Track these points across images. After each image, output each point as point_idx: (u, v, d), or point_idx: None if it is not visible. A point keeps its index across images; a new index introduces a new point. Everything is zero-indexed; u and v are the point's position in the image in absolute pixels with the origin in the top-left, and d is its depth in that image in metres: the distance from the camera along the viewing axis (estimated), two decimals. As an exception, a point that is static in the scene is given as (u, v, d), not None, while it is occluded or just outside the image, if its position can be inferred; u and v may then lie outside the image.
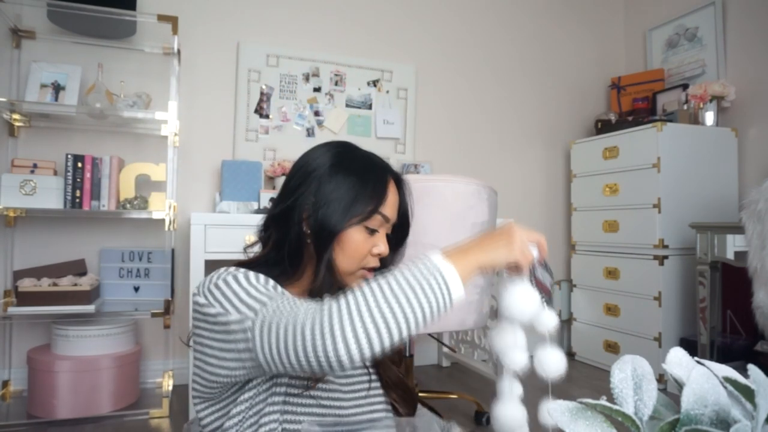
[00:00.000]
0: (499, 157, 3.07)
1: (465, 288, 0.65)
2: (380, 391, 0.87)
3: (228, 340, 0.70)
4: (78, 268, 2.21)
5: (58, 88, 2.15)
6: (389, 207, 0.84)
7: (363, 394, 0.83)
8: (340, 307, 0.61)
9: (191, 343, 0.79)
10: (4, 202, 1.99)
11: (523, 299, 0.70)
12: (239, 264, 0.83)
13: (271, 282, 0.75)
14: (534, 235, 0.73)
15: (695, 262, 2.27)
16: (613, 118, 2.93)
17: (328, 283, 0.79)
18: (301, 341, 0.60)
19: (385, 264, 0.88)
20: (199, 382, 0.77)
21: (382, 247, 0.84)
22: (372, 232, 0.83)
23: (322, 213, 0.79)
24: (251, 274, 0.74)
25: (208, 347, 0.74)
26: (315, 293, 0.78)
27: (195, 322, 0.77)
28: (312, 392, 0.77)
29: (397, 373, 0.88)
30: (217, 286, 0.73)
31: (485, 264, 0.68)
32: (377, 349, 0.60)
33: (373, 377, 0.86)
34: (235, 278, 0.73)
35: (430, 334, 2.47)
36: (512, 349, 0.72)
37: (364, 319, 0.59)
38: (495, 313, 2.27)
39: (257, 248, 0.89)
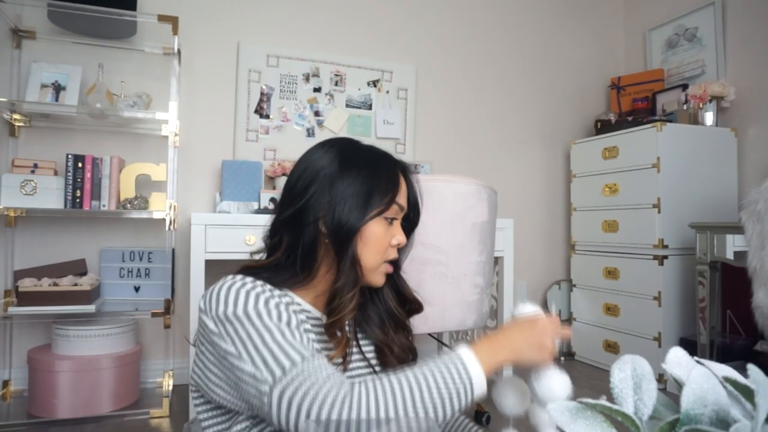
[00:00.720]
0: (499, 157, 3.07)
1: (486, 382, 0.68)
2: None
3: (235, 380, 0.68)
4: (78, 268, 2.21)
5: (58, 88, 2.15)
6: (402, 195, 0.85)
7: None
8: (369, 398, 0.62)
9: (194, 343, 0.79)
10: (5, 202, 1.99)
11: (559, 386, 0.74)
12: (246, 268, 0.80)
13: (282, 306, 0.72)
14: (563, 330, 0.77)
15: (695, 262, 2.27)
16: (612, 118, 2.93)
17: (352, 281, 0.79)
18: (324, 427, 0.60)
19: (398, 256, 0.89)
20: (199, 385, 0.76)
21: (400, 236, 0.85)
22: (391, 221, 0.83)
23: (339, 210, 0.78)
24: (261, 301, 0.70)
25: (210, 371, 0.73)
26: (338, 292, 0.78)
27: (201, 338, 0.75)
28: None
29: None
30: (227, 319, 0.69)
31: (514, 362, 0.71)
32: None
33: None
34: (249, 312, 0.69)
35: (430, 334, 2.47)
36: (548, 427, 0.75)
37: (389, 414, 0.60)
38: (495, 313, 2.27)
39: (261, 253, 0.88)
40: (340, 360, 0.79)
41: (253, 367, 0.65)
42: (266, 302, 0.71)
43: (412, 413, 0.62)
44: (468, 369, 0.66)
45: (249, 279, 0.74)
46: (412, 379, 0.64)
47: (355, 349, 0.85)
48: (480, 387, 0.67)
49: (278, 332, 0.68)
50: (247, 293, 0.71)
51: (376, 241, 0.81)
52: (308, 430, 0.60)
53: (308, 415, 0.60)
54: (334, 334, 0.78)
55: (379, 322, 0.89)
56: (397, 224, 0.85)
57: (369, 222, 0.80)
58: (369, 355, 0.87)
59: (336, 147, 0.84)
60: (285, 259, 0.80)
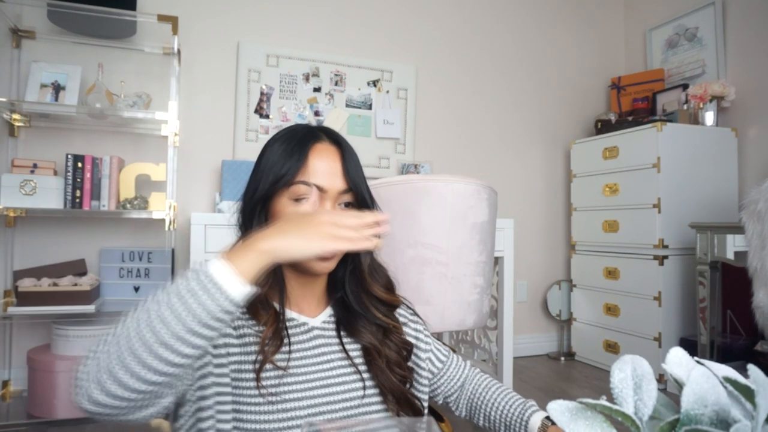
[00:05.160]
0: (499, 157, 3.07)
1: (253, 282, 0.60)
2: (378, 398, 0.80)
3: None
4: (78, 268, 2.21)
5: (58, 88, 2.15)
6: (319, 174, 0.75)
7: (356, 402, 0.78)
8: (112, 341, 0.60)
9: None
10: (4, 202, 1.99)
11: None
12: None
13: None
14: (349, 219, 0.64)
15: (695, 262, 2.27)
16: (613, 118, 2.93)
17: (279, 271, 0.77)
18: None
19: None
20: None
21: None
22: (301, 201, 0.75)
23: (250, 187, 0.79)
24: None
25: None
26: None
27: None
28: (276, 397, 0.71)
29: (391, 378, 0.81)
30: None
31: (279, 253, 0.61)
32: (135, 382, 0.56)
33: (368, 384, 0.80)
34: None
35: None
36: None
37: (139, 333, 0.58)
38: (495, 313, 2.27)
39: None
40: (274, 346, 0.73)
41: None
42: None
43: (155, 323, 0.57)
44: (207, 266, 0.58)
45: None
46: (151, 303, 0.60)
47: (341, 354, 0.80)
48: (229, 282, 0.57)
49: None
50: None
51: (278, 220, 0.75)
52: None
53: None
54: (257, 311, 0.75)
55: (363, 324, 0.82)
56: (322, 203, 0.76)
57: (274, 200, 0.76)
58: (355, 357, 0.81)
59: (278, 132, 0.83)
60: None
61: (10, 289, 2.15)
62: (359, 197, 0.80)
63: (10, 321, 2.18)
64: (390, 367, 0.81)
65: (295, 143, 0.77)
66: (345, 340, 0.82)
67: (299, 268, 0.78)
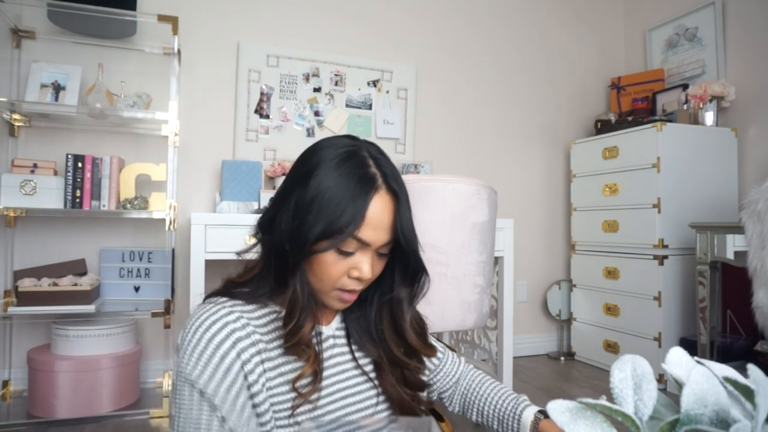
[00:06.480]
0: (499, 157, 3.07)
1: None
2: (389, 409, 0.81)
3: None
4: (78, 268, 2.21)
5: (58, 88, 2.15)
6: (370, 229, 0.70)
7: (371, 412, 0.79)
8: None
9: None
10: (4, 202, 1.99)
11: None
12: (229, 283, 0.77)
13: (235, 366, 0.68)
14: None
15: (695, 262, 2.27)
16: (612, 118, 2.93)
17: (306, 297, 0.73)
18: None
19: (390, 285, 0.80)
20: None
21: (365, 269, 0.72)
22: (348, 254, 0.72)
23: (293, 225, 0.71)
24: (211, 365, 0.67)
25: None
26: (292, 310, 0.72)
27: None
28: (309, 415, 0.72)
29: (400, 392, 0.80)
30: (179, 378, 0.69)
31: None
32: None
33: (380, 394, 0.80)
34: (193, 380, 0.67)
35: (430, 334, 2.47)
36: None
37: None
38: (495, 313, 2.27)
39: (251, 253, 0.82)
40: (311, 378, 0.73)
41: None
42: (216, 366, 0.67)
43: None
44: None
45: (222, 309, 0.70)
46: None
47: (353, 363, 0.80)
48: None
49: (205, 424, 0.66)
50: (207, 342, 0.68)
51: (322, 270, 0.72)
52: None
53: None
54: (301, 352, 0.73)
55: (372, 339, 0.81)
56: (360, 256, 0.72)
57: (319, 245, 0.70)
58: (365, 365, 0.81)
59: (337, 150, 0.73)
60: (261, 267, 0.77)
61: (10, 289, 2.15)
62: (409, 247, 0.76)
63: (10, 321, 2.18)
64: (400, 386, 0.81)
65: (355, 184, 0.69)
66: (354, 347, 0.82)
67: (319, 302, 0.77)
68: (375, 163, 0.74)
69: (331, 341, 0.80)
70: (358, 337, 0.82)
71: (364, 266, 0.72)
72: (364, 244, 0.71)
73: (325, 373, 0.76)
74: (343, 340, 0.82)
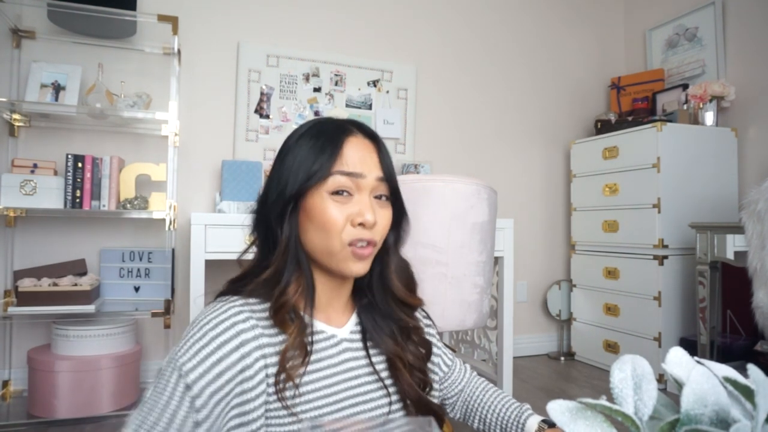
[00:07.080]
0: (499, 157, 3.07)
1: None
2: (402, 412, 0.79)
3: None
4: (78, 268, 2.21)
5: (58, 88, 2.15)
6: (351, 162, 0.72)
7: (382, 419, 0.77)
8: None
9: None
10: (4, 202, 1.99)
11: None
12: (232, 282, 0.76)
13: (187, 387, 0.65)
14: None
15: (695, 262, 2.27)
16: (613, 118, 2.93)
17: (294, 245, 0.72)
18: None
19: (386, 243, 0.79)
20: None
21: (367, 214, 0.71)
22: (341, 194, 0.72)
23: (280, 189, 0.73)
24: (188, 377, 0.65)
25: None
26: (277, 274, 0.72)
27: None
28: (305, 414, 0.70)
29: (413, 385, 0.79)
30: (161, 373, 0.67)
31: None
32: None
33: (394, 398, 0.78)
34: (163, 385, 0.66)
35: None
36: None
37: None
38: (495, 313, 2.27)
39: (251, 253, 0.83)
40: (299, 358, 0.70)
41: (138, 413, 0.65)
42: (212, 365, 0.66)
43: None
44: None
45: (231, 309, 0.70)
46: None
47: (368, 369, 0.78)
48: None
49: (165, 417, 0.64)
50: (211, 339, 0.67)
51: (320, 215, 0.71)
52: None
53: None
54: (284, 321, 0.70)
55: (389, 330, 0.80)
56: (360, 198, 0.73)
57: (308, 196, 0.72)
58: (381, 370, 0.80)
59: (301, 127, 0.77)
60: (261, 259, 0.77)
61: (10, 289, 2.15)
62: (392, 190, 0.77)
63: (10, 321, 2.18)
64: (411, 371, 0.80)
65: (325, 139, 0.73)
66: (371, 351, 0.80)
67: (331, 271, 0.75)
68: (347, 120, 0.78)
69: (345, 344, 0.78)
70: (372, 331, 0.80)
71: (366, 209, 0.72)
72: (351, 176, 0.72)
73: (338, 380, 0.74)
74: (359, 344, 0.80)
